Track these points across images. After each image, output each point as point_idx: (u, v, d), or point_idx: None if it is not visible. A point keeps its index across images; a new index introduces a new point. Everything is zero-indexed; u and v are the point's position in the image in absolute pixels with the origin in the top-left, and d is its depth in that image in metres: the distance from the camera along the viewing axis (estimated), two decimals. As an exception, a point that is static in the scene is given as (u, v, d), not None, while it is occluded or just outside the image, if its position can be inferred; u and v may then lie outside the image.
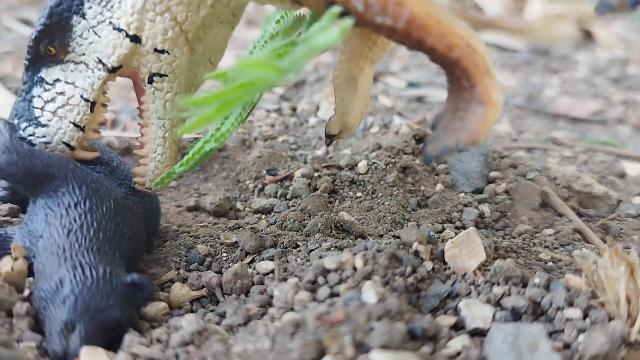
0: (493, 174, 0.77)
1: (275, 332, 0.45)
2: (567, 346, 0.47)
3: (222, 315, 0.53)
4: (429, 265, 0.54)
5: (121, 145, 0.83)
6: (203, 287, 0.58)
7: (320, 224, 0.64)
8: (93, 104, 0.56)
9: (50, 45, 0.55)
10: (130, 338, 0.48)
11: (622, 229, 0.72)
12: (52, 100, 0.55)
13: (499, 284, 0.53)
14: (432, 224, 0.67)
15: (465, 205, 0.71)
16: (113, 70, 0.55)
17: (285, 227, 0.66)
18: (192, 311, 0.56)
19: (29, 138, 0.56)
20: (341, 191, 0.75)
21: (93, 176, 0.56)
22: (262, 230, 0.65)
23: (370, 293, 0.47)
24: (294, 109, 1.05)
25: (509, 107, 1.26)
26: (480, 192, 0.75)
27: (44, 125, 0.56)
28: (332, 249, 0.58)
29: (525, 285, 0.53)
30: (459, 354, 0.46)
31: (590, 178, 0.79)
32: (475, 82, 0.48)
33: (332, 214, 0.67)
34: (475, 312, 0.50)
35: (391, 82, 1.30)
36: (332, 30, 0.41)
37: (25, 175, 0.54)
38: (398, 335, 0.43)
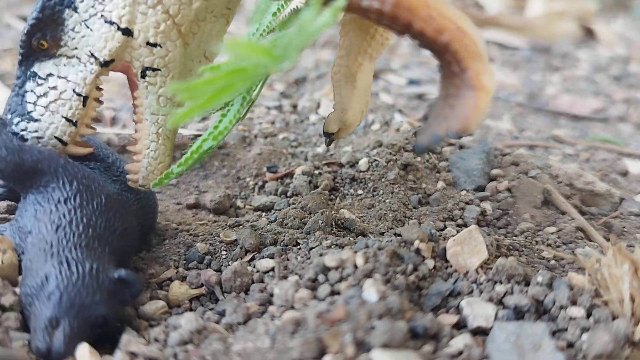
0: (495, 171, 0.76)
1: (276, 330, 0.44)
2: (570, 345, 0.46)
3: (222, 314, 0.53)
4: (430, 263, 0.54)
5: (120, 143, 0.83)
6: (202, 285, 0.57)
7: (320, 221, 0.64)
8: (85, 99, 0.55)
9: (42, 39, 0.54)
10: (128, 337, 0.47)
11: (624, 227, 0.72)
12: (45, 94, 0.55)
13: (501, 283, 0.52)
14: (433, 222, 0.67)
15: (467, 203, 0.71)
16: (105, 64, 0.54)
17: (286, 224, 0.65)
18: (191, 310, 0.55)
19: (22, 133, 0.55)
20: (342, 189, 0.75)
21: (85, 172, 0.56)
22: (262, 228, 0.65)
23: (371, 291, 0.47)
24: (294, 106, 1.05)
25: (510, 105, 1.25)
26: (482, 190, 0.74)
27: (36, 120, 0.55)
28: (332, 246, 0.58)
29: (527, 284, 0.52)
30: (461, 353, 0.45)
31: (593, 176, 0.79)
32: (465, 66, 0.47)
33: (333, 212, 0.67)
34: (478, 310, 0.49)
35: (392, 80, 1.29)
36: (323, 14, 0.41)
37: (15, 170, 0.54)
38: (399, 334, 0.42)
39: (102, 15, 0.53)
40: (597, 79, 1.49)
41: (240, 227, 0.67)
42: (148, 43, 0.53)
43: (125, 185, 0.59)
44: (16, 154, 0.53)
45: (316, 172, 0.78)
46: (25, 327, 0.49)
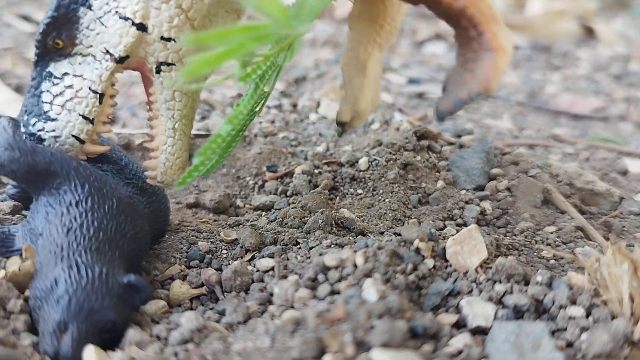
0: (494, 171, 0.76)
1: (275, 330, 0.44)
2: (569, 345, 0.46)
3: (222, 313, 0.53)
4: (430, 262, 0.54)
5: (121, 142, 0.83)
6: (203, 285, 0.57)
7: (320, 221, 0.64)
8: (101, 96, 0.55)
9: (57, 38, 0.54)
10: (134, 332, 0.47)
11: (624, 227, 0.72)
12: (61, 93, 0.55)
13: (500, 282, 0.52)
14: (433, 221, 0.67)
15: (467, 203, 0.71)
16: (120, 61, 0.54)
17: (286, 224, 0.66)
18: (191, 309, 0.55)
19: (39, 133, 0.55)
20: (342, 188, 0.75)
21: (97, 174, 0.55)
22: (262, 228, 0.65)
23: (371, 291, 0.47)
24: (294, 105, 1.05)
25: (511, 104, 1.25)
26: (481, 189, 0.74)
27: (53, 120, 0.55)
28: (332, 246, 0.58)
29: (527, 283, 0.52)
30: (460, 352, 0.45)
31: (593, 175, 0.79)
32: (482, 30, 0.47)
33: (333, 211, 0.67)
34: (477, 310, 0.49)
35: (392, 79, 1.29)
36: None
37: (28, 172, 0.54)
38: (399, 334, 0.43)
39: (116, 12, 0.54)
40: (597, 78, 1.49)
41: (241, 226, 0.67)
42: (162, 38, 0.54)
43: (137, 188, 0.59)
44: (29, 155, 0.53)
45: (316, 171, 0.78)
46: (33, 329, 0.49)
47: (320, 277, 0.51)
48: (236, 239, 0.63)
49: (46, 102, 0.55)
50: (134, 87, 1.09)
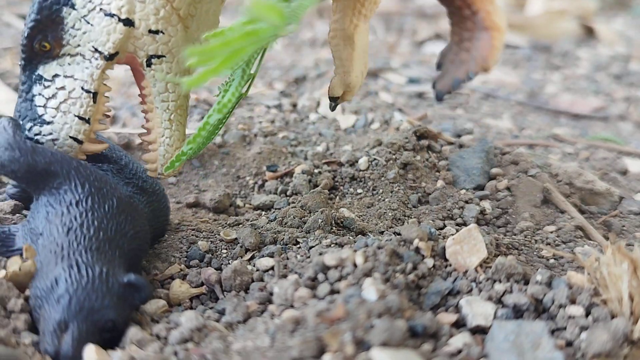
0: (494, 170, 0.76)
1: (275, 329, 0.45)
2: (569, 344, 0.46)
3: (222, 312, 0.53)
4: (429, 262, 0.54)
5: (121, 142, 0.83)
6: (202, 284, 0.57)
7: (320, 220, 0.64)
8: (95, 95, 0.55)
9: (44, 40, 0.54)
10: (135, 330, 0.47)
11: (624, 226, 0.72)
12: (54, 96, 0.55)
13: (500, 281, 0.52)
14: (433, 221, 0.67)
15: (467, 202, 0.71)
16: (110, 58, 0.54)
17: (286, 223, 0.66)
18: (191, 308, 0.55)
19: (36, 137, 0.55)
20: (342, 187, 0.75)
21: (97, 174, 0.55)
22: (262, 227, 0.65)
23: (370, 290, 0.47)
24: (294, 105, 1.05)
25: (510, 104, 1.25)
26: (481, 189, 0.74)
27: (49, 123, 0.55)
28: (332, 245, 0.58)
29: (527, 283, 0.52)
30: (460, 351, 0.45)
31: (592, 175, 0.79)
32: (476, 9, 0.48)
33: (333, 211, 0.67)
34: (477, 309, 0.49)
35: (392, 79, 1.29)
36: None
37: (28, 172, 0.54)
38: (399, 333, 0.43)
39: (101, 9, 0.53)
40: (597, 77, 1.49)
41: (240, 225, 0.67)
42: (150, 31, 0.53)
43: (137, 188, 0.59)
44: (29, 155, 0.53)
45: (316, 171, 0.78)
46: (34, 328, 0.49)
47: (320, 276, 0.51)
48: (236, 239, 0.63)
49: (40, 106, 0.55)
50: (134, 86, 1.08)
